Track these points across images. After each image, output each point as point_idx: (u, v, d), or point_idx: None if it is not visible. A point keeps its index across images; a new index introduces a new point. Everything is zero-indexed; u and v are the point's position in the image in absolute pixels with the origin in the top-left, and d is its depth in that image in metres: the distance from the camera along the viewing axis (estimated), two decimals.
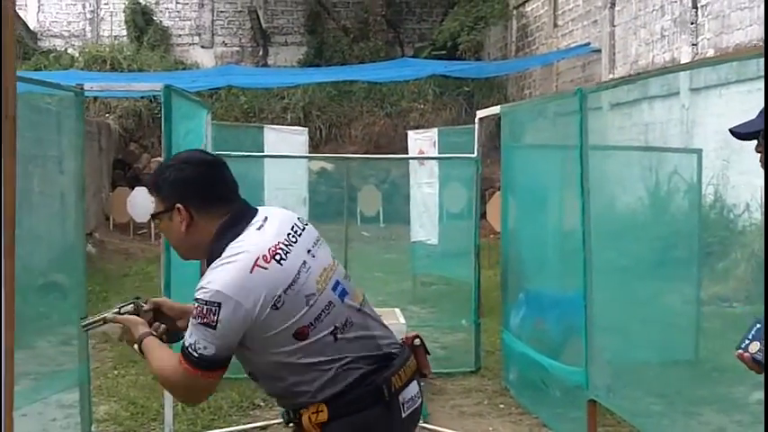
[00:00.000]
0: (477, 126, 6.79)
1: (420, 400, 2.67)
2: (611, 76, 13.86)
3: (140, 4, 22.28)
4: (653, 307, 5.99)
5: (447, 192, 9.36)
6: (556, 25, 16.77)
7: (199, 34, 23.07)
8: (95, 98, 17.96)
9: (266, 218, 2.58)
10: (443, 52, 19.73)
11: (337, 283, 2.58)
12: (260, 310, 2.38)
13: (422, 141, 10.20)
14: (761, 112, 2.30)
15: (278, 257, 2.45)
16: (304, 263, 2.51)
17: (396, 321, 6.25)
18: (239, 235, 2.50)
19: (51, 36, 22.88)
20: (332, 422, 2.52)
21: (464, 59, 19.70)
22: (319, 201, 13.54)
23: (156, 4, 22.76)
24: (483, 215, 9.84)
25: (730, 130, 2.43)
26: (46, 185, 9.81)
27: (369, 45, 21.27)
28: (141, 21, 22.03)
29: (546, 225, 5.86)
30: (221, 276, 2.40)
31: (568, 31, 16.10)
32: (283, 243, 2.51)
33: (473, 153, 7.08)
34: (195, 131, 6.24)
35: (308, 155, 10.30)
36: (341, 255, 8.26)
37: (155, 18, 22.49)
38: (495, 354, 6.99)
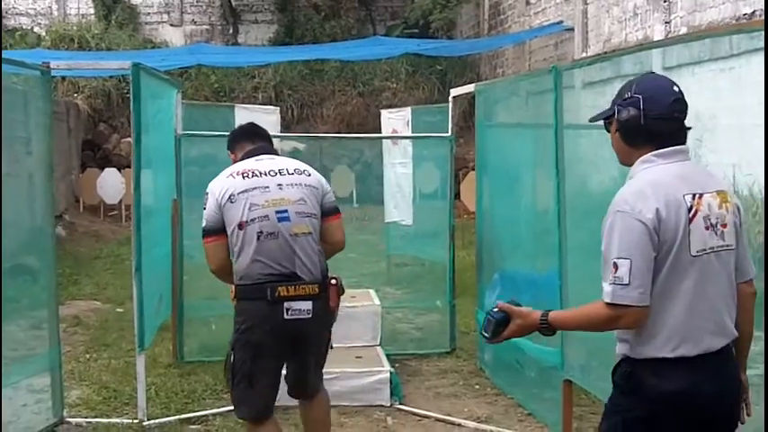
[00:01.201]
0: (451, 105, 6.74)
1: (309, 317, 3.78)
2: (583, 54, 13.82)
3: None
4: None
5: (421, 172, 9.29)
6: (528, 3, 16.68)
7: (168, 12, 22.68)
8: (63, 78, 17.61)
9: (268, 158, 3.96)
10: (416, 30, 19.60)
11: (285, 211, 3.79)
12: (222, 200, 3.78)
13: (395, 121, 10.11)
14: (612, 101, 2.72)
15: (246, 175, 3.83)
16: (266, 187, 3.80)
17: (371, 302, 6.23)
18: (240, 162, 3.96)
19: (17, 14, 22.34)
20: (238, 301, 3.87)
21: (436, 38, 19.60)
22: None
23: None
24: (457, 195, 9.81)
25: (589, 120, 2.91)
26: (13, 167, 9.62)
27: (340, 23, 21.06)
28: None
29: (521, 205, 5.83)
30: (213, 180, 3.92)
31: (541, 9, 16.03)
32: (258, 170, 3.85)
33: (447, 132, 7.03)
34: (165, 111, 6.14)
35: (279, 134, 10.16)
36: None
37: None
38: (470, 335, 6.99)
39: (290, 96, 19.07)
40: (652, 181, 2.59)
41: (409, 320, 7.96)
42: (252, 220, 3.74)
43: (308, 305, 3.78)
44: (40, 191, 5.30)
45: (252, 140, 4.11)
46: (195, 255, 8.99)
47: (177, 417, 5.21)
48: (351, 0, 21.91)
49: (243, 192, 3.78)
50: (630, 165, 2.71)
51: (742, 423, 2.74)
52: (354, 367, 5.56)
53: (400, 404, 5.46)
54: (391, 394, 5.44)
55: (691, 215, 2.54)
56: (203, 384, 5.83)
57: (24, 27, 21.37)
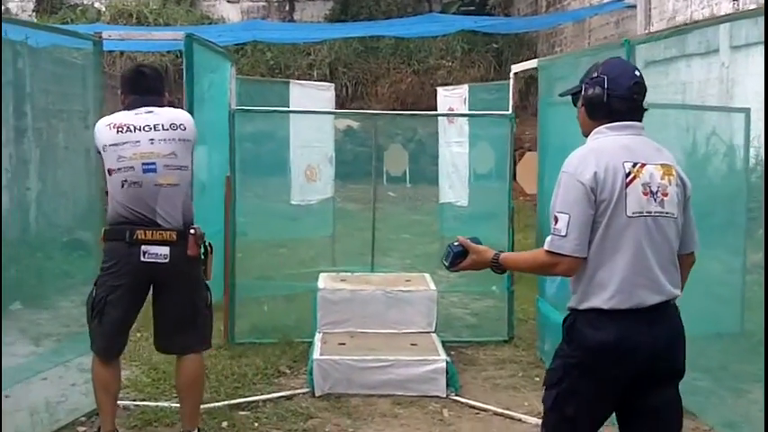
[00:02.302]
0: (512, 81, 6.47)
1: (166, 262, 4.05)
2: (646, 32, 13.36)
3: None
4: (693, 277, 5.69)
5: (478, 151, 9.03)
6: None
7: None
8: (121, 53, 17.67)
9: (147, 111, 4.15)
10: (472, 8, 19.25)
11: (153, 164, 4.05)
12: (100, 146, 4.12)
13: (451, 98, 9.85)
14: (581, 79, 3.05)
15: (120, 129, 4.09)
16: (137, 141, 4.06)
17: (426, 287, 6.01)
18: (120, 112, 4.21)
19: None
20: (104, 242, 4.14)
21: (493, 15, 19.22)
22: (345, 160, 13.25)
23: None
24: (513, 176, 9.53)
25: (559, 94, 3.35)
26: (71, 141, 9.61)
27: (396, 0, 20.76)
28: None
29: None
30: (98, 122, 4.26)
31: None
32: (133, 125, 4.09)
33: (506, 110, 6.77)
34: (218, 85, 5.98)
35: (334, 110, 9.98)
36: (368, 215, 8.02)
37: None
38: (529, 323, 6.73)
39: (345, 74, 18.90)
40: (597, 148, 2.91)
41: (464, 305, 7.73)
42: (118, 169, 4.04)
43: (164, 250, 4.04)
44: (96, 165, 5.17)
45: (136, 91, 4.25)
46: (249, 232, 8.97)
47: (227, 402, 5.05)
48: None
49: (113, 144, 4.06)
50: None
51: None
52: (409, 355, 5.36)
53: (456, 395, 5.24)
54: (447, 385, 5.22)
55: (628, 180, 2.82)
56: (254, 368, 5.69)
57: (85, 2, 21.50)
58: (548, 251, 2.86)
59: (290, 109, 8.54)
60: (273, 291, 7.78)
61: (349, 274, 6.64)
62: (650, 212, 2.84)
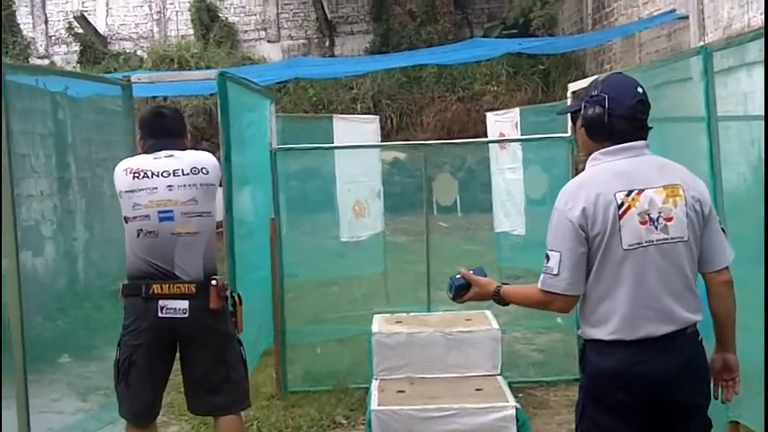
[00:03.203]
0: (569, 101, 6.07)
1: (185, 317, 3.77)
2: (701, 43, 12.88)
3: (205, 1, 21.97)
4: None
5: (534, 176, 8.63)
6: None
7: (265, 29, 22.66)
8: (165, 98, 17.74)
9: (167, 155, 3.92)
10: (515, 30, 18.90)
11: (170, 211, 3.81)
12: (117, 192, 3.90)
13: (502, 123, 9.48)
14: (581, 97, 2.94)
15: (137, 175, 3.86)
16: (154, 188, 3.83)
17: (489, 326, 5.59)
18: (140, 156, 4.02)
19: (120, 39, 22.76)
20: (123, 297, 3.89)
21: (537, 37, 18.84)
22: (393, 192, 12.96)
23: (221, 0, 22.42)
24: None
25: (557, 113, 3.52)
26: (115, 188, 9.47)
27: (436, 28, 20.54)
28: (207, 18, 21.72)
29: None
30: (118, 165, 4.00)
31: None
32: (151, 171, 3.86)
33: (562, 132, 6.40)
34: (258, 123, 5.69)
35: (379, 143, 9.68)
36: (419, 248, 7.67)
37: (220, 15, 22.15)
38: None
39: (389, 106, 18.67)
40: (588, 179, 2.81)
41: (529, 341, 7.30)
42: (134, 218, 3.84)
43: (183, 304, 3.79)
44: None
45: (154, 134, 4.05)
46: (298, 272, 8.69)
47: None
48: (446, 4, 21.36)
49: (128, 191, 3.86)
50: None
51: (723, 402, 2.99)
52: (474, 402, 4.94)
53: None
54: None
55: (621, 212, 2.71)
56: (308, 419, 5.34)
57: (128, 51, 21.71)
58: (541, 289, 2.83)
59: (333, 145, 8.24)
60: (326, 335, 7.44)
61: (404, 314, 6.25)
62: (651, 241, 2.74)
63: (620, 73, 3.08)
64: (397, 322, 5.89)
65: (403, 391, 5.20)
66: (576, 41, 16.88)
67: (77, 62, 21.25)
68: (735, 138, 6.78)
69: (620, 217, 2.72)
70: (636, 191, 2.74)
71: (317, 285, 9.31)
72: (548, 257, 2.80)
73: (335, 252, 9.24)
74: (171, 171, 3.88)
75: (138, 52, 21.47)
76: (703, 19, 12.92)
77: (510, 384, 5.44)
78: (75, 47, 21.89)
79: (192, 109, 17.83)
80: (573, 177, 6.33)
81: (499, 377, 5.43)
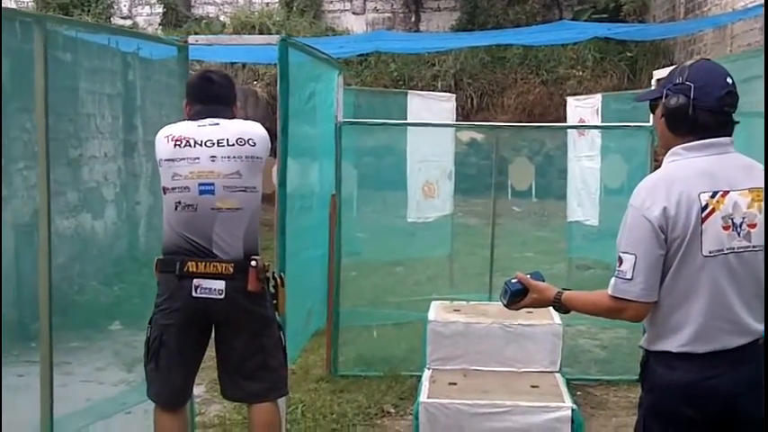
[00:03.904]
0: (654, 88, 5.72)
1: (221, 298, 3.52)
2: None
3: None
4: None
5: (612, 166, 8.27)
6: None
7: (350, 0, 22.46)
8: (243, 65, 17.71)
9: (212, 123, 3.66)
10: (605, 15, 18.32)
11: (211, 184, 3.55)
12: (158, 159, 3.65)
13: (583, 109, 9.11)
14: (662, 84, 2.67)
15: (178, 143, 3.59)
16: (197, 158, 3.56)
17: (550, 321, 5.31)
18: (183, 122, 3.74)
19: (204, 3, 22.81)
20: (158, 273, 3.65)
21: (627, 23, 18.24)
22: (468, 173, 12.72)
23: None
24: None
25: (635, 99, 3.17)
26: None
27: (525, 9, 20.03)
28: None
29: None
30: (160, 131, 3.74)
31: None
32: (194, 139, 3.60)
33: (643, 121, 6.07)
34: (323, 94, 5.49)
35: (452, 123, 9.40)
36: (487, 231, 7.42)
37: None
38: None
39: (470, 85, 18.33)
40: (668, 176, 2.56)
41: (592, 335, 6.99)
42: (173, 189, 3.60)
43: (219, 285, 3.54)
44: None
45: (201, 99, 3.77)
46: (364, 250, 8.53)
47: None
48: None
49: (169, 160, 3.61)
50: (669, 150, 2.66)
51: None
52: (529, 400, 4.69)
53: None
54: None
55: (704, 215, 2.49)
56: (355, 406, 5.18)
57: (210, 16, 21.77)
58: (612, 296, 2.59)
59: (402, 122, 8.01)
60: (383, 318, 7.26)
61: (464, 303, 6.01)
62: (732, 249, 2.53)
63: (709, 60, 2.76)
64: (455, 311, 5.65)
65: (455, 384, 4.98)
66: (667, 29, 16.28)
67: (159, 24, 21.40)
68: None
69: (704, 220, 2.50)
70: (720, 192, 2.52)
71: (382, 265, 9.14)
72: (620, 260, 2.55)
73: (403, 231, 9.05)
74: (215, 141, 3.61)
75: (222, 17, 21.52)
76: None
77: (569, 381, 5.19)
78: (159, 8, 22.04)
79: (271, 77, 17.74)
80: (652, 170, 6.07)
81: (557, 374, 5.17)
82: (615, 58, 18.18)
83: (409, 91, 9.90)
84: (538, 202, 15.02)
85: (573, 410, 4.58)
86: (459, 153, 9.79)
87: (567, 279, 9.02)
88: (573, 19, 18.99)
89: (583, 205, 8.91)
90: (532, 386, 4.93)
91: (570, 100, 9.67)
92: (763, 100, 3.60)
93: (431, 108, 8.99)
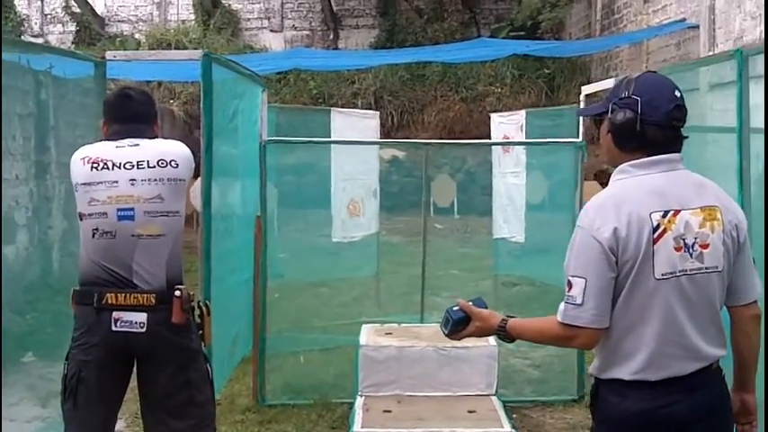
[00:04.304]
0: (582, 105, 5.68)
1: (143, 332, 3.28)
2: (710, 54, 12.51)
3: None
4: None
5: (537, 182, 8.26)
6: (646, 1, 15.42)
7: (268, 17, 22.27)
8: (159, 83, 17.33)
9: (131, 144, 3.41)
10: (522, 33, 18.55)
11: (131, 209, 3.32)
12: (73, 183, 3.42)
13: (507, 125, 9.10)
14: (607, 98, 2.53)
15: (95, 165, 3.36)
16: (115, 182, 3.34)
17: (485, 342, 5.16)
18: (100, 143, 3.50)
19: (119, 21, 22.39)
20: (74, 305, 3.40)
21: (544, 40, 18.50)
22: (391, 191, 12.60)
23: None
24: None
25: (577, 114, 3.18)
26: None
27: (443, 27, 20.20)
28: (209, 3, 21.33)
29: None
30: (75, 153, 3.49)
31: (661, 7, 14.73)
32: (112, 161, 3.36)
33: (569, 137, 6.05)
34: (246, 112, 5.27)
35: (379, 140, 9.28)
36: (414, 249, 7.29)
37: (223, 1, 21.74)
38: None
39: (391, 102, 18.31)
40: (617, 195, 2.43)
41: (523, 354, 6.88)
42: (90, 214, 3.35)
43: (141, 317, 3.30)
44: None
45: (119, 118, 3.51)
46: (287, 272, 8.29)
47: None
48: (454, 2, 21.02)
49: (85, 184, 3.37)
50: (616, 167, 2.53)
51: None
52: (467, 426, 4.54)
53: None
54: None
55: (656, 236, 2.35)
56: None
57: (125, 33, 21.30)
58: (562, 323, 2.42)
59: (327, 140, 7.83)
60: (310, 343, 7.02)
61: (395, 325, 5.84)
62: (684, 271, 2.39)
63: (655, 72, 2.64)
64: (387, 334, 5.47)
65: (390, 411, 4.79)
66: (585, 46, 16.58)
67: (72, 42, 20.85)
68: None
69: (655, 241, 2.35)
70: (672, 211, 2.38)
71: (305, 286, 8.89)
72: (570, 285, 2.39)
73: (327, 251, 8.85)
74: (135, 162, 3.36)
75: (137, 35, 21.09)
76: (714, 29, 12.56)
77: (504, 404, 5.05)
78: (71, 27, 21.48)
79: (188, 96, 17.44)
80: (580, 185, 6.03)
81: (494, 397, 5.04)
82: (533, 74, 18.39)
83: (332, 108, 9.73)
84: (460, 219, 15.02)
85: None
86: (381, 171, 9.65)
87: (495, 296, 8.96)
88: (491, 36, 19.20)
89: (509, 222, 8.88)
90: (469, 411, 4.79)
91: (494, 116, 9.66)
92: (747, 108, 3.57)
93: (355, 126, 8.85)
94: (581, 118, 5.72)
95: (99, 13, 22.07)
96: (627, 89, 2.45)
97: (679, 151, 2.48)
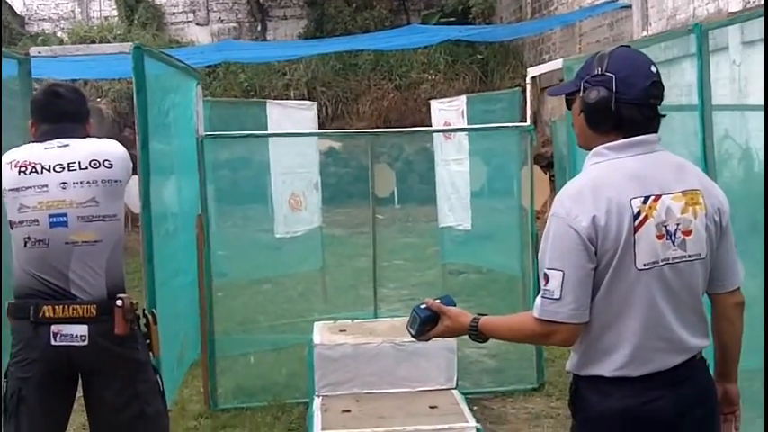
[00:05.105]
0: (528, 88, 5.55)
1: (85, 345, 3.09)
2: (644, 33, 12.58)
3: None
4: None
5: (480, 168, 8.16)
6: None
7: (193, 11, 21.79)
8: (86, 82, 16.83)
9: (61, 145, 3.21)
10: (453, 18, 18.50)
11: (63, 215, 3.12)
12: (2, 190, 3.18)
13: (447, 112, 8.95)
14: (578, 75, 2.38)
15: (23, 170, 3.15)
16: (44, 186, 3.13)
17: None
18: (28, 146, 3.29)
19: (40, 20, 21.68)
20: (10, 319, 3.20)
21: (475, 25, 18.48)
22: (329, 183, 12.42)
23: None
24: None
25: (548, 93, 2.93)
26: None
27: (372, 14, 19.98)
28: None
29: None
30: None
31: None
32: (41, 164, 3.16)
33: (513, 122, 5.95)
34: (182, 106, 5.03)
35: (318, 131, 9.07)
36: (357, 241, 7.12)
37: None
38: (558, 363, 5.78)
39: (324, 93, 18.08)
40: (595, 180, 2.26)
41: (479, 345, 6.78)
42: (20, 222, 3.16)
43: (81, 330, 3.11)
44: None
45: (48, 118, 3.30)
46: (229, 270, 8.05)
47: None
48: None
49: (14, 189, 3.17)
50: (590, 150, 2.36)
51: None
52: (429, 422, 4.39)
53: None
54: None
55: (636, 223, 2.21)
56: None
57: (47, 32, 20.65)
58: (539, 318, 2.26)
59: (268, 132, 7.61)
60: (259, 344, 6.81)
61: (349, 322, 5.66)
62: (667, 260, 2.25)
63: (629, 47, 2.47)
64: (341, 331, 5.28)
65: (349, 411, 4.62)
66: (517, 29, 16.55)
67: None
68: (679, 129, 6.45)
69: (636, 229, 2.20)
70: (652, 197, 2.23)
71: (248, 283, 8.68)
72: (546, 278, 2.24)
73: (268, 246, 8.62)
74: (66, 165, 3.17)
75: (59, 34, 20.47)
76: (647, 9, 12.63)
77: (464, 395, 4.93)
78: None
79: (115, 93, 16.99)
80: (530, 169, 5.93)
81: (454, 391, 4.90)
82: (467, 60, 18.36)
83: (268, 101, 9.48)
84: (401, 209, 14.91)
85: (477, 429, 4.33)
86: (321, 163, 9.47)
87: (442, 285, 8.86)
88: (422, 23, 19.08)
89: (454, 210, 8.75)
90: (431, 407, 4.64)
91: (434, 103, 9.50)
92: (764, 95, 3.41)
93: (292, 117, 8.61)
94: (527, 101, 5.62)
95: (18, 12, 21.36)
96: (600, 65, 2.29)
97: (656, 131, 2.34)
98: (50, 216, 3.12)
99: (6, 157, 3.22)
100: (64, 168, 3.16)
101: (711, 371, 2.48)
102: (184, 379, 5.72)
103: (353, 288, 7.97)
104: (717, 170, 6.18)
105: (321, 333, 5.23)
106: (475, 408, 5.06)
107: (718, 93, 11.80)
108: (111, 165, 3.22)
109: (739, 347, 2.52)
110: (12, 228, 3.17)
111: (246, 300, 8.40)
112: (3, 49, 3.83)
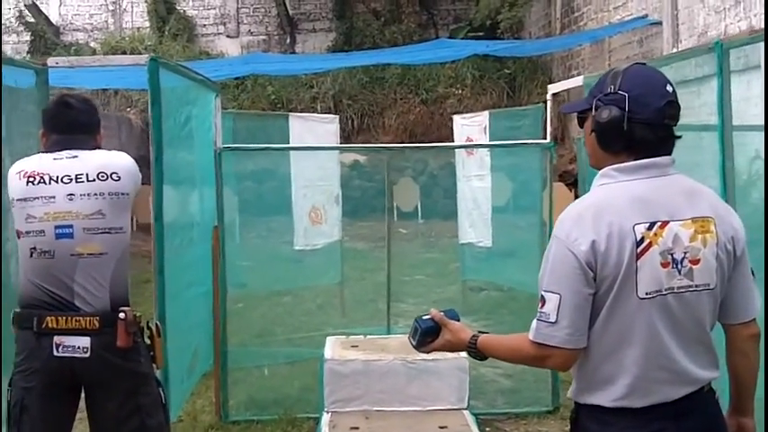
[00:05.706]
0: (549, 104, 5.51)
1: (87, 357, 3.09)
2: (674, 50, 12.46)
3: None
4: None
5: (502, 184, 8.09)
6: None
7: (224, 23, 21.99)
8: (116, 92, 17.01)
9: (70, 156, 3.21)
10: (481, 33, 18.46)
11: (69, 227, 3.12)
12: (10, 199, 3.20)
13: (470, 127, 8.91)
14: (591, 93, 2.33)
15: (31, 180, 3.16)
16: (52, 197, 3.14)
17: (455, 355, 4.94)
18: (37, 156, 3.31)
19: (74, 30, 22.01)
20: (15, 329, 3.19)
21: (504, 40, 18.44)
22: (352, 196, 12.43)
23: None
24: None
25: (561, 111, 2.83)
26: None
27: (401, 28, 20.04)
28: (163, 10, 21.04)
29: None
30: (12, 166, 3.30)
31: (622, 3, 14.68)
32: (49, 175, 3.16)
33: (537, 138, 5.90)
34: (199, 118, 5.03)
35: (338, 145, 9.06)
36: (378, 255, 7.08)
37: (177, 7, 21.44)
38: None
39: (350, 106, 18.14)
40: (598, 203, 2.20)
41: (495, 364, 6.68)
42: (27, 232, 3.16)
43: (84, 341, 3.12)
44: None
45: (57, 128, 3.30)
46: (249, 281, 8.05)
47: None
48: (412, 4, 20.87)
49: (21, 199, 3.17)
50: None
51: None
52: None
53: None
54: None
55: (639, 250, 2.13)
56: None
57: (80, 42, 20.92)
58: (534, 342, 2.20)
59: (285, 146, 7.61)
60: (273, 356, 6.79)
61: (361, 337, 5.62)
62: (672, 289, 2.16)
63: (645, 64, 2.38)
64: (353, 347, 5.25)
65: (357, 428, 4.58)
66: (546, 44, 16.48)
67: (27, 52, 20.43)
68: (708, 149, 6.35)
69: (639, 256, 2.12)
70: (659, 223, 2.15)
71: (268, 294, 8.67)
72: (543, 300, 2.18)
73: (290, 258, 8.61)
74: (73, 176, 3.17)
75: (92, 44, 20.75)
76: (677, 25, 12.51)
77: (476, 417, 4.86)
78: (26, 36, 21.06)
79: (145, 104, 17.06)
80: (549, 187, 5.87)
81: (465, 412, 4.85)
82: (494, 75, 18.33)
83: (290, 114, 9.51)
84: (424, 223, 14.87)
85: None
86: (342, 176, 9.47)
87: (462, 302, 8.79)
88: (450, 37, 19.08)
89: (475, 226, 8.70)
90: (440, 427, 4.60)
91: (456, 118, 9.48)
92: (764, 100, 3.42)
93: (314, 131, 8.62)
94: (547, 118, 5.57)
95: (54, 22, 21.71)
96: (613, 83, 2.22)
97: (670, 153, 2.25)
98: (56, 227, 3.13)
99: (15, 167, 3.24)
100: (71, 180, 3.17)
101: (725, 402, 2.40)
102: (198, 389, 5.71)
103: (372, 302, 7.93)
104: (745, 191, 6.10)
105: (333, 348, 5.20)
106: (487, 429, 5.01)
107: (749, 112, 11.68)
108: (119, 177, 3.22)
109: (755, 381, 2.41)
110: (18, 237, 3.18)
111: (265, 311, 8.40)
112: (20, 60, 3.85)
